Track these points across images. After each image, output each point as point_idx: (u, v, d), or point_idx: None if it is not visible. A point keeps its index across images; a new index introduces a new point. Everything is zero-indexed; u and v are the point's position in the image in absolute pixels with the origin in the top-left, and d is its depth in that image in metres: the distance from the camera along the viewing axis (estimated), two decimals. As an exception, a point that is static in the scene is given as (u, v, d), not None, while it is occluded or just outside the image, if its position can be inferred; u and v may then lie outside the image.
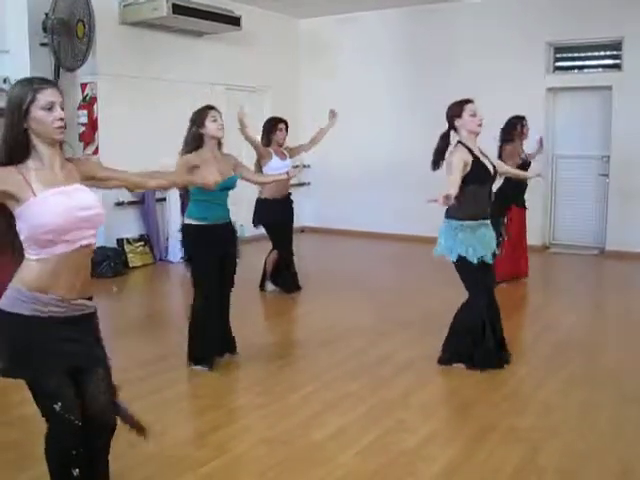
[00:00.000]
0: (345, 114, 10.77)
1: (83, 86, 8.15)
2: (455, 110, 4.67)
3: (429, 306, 6.56)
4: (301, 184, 11.03)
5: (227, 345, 5.04)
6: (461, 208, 4.53)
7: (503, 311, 4.92)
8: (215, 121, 4.72)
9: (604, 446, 3.65)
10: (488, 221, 4.76)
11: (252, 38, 10.10)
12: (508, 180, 6.73)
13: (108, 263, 7.92)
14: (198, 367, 4.79)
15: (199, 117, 4.74)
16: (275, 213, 6.89)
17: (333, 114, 7.18)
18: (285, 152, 6.97)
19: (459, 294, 4.79)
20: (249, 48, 10.17)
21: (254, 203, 7.01)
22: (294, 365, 5.06)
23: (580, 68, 9.62)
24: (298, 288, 7.23)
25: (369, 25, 10.75)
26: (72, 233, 2.50)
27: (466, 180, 4.50)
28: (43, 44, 7.56)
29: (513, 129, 7.14)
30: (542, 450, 3.58)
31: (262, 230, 7.09)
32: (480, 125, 4.65)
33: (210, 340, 4.84)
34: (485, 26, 9.73)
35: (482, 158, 4.68)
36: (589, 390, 4.47)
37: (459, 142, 4.66)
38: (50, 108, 2.50)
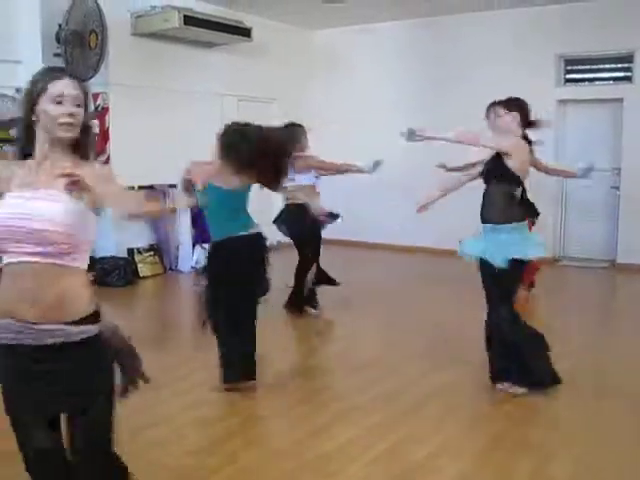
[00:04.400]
0: (356, 124, 10.88)
1: (95, 96, 8.18)
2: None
3: (439, 317, 6.55)
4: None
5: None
6: (512, 210, 4.44)
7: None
8: None
9: (616, 459, 3.62)
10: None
11: (264, 49, 10.14)
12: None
13: (119, 273, 7.94)
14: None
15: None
16: (302, 221, 6.51)
17: (376, 165, 6.77)
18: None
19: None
20: (261, 59, 10.22)
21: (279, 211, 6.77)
22: (305, 376, 5.05)
23: (591, 80, 9.61)
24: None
25: (382, 36, 10.77)
26: (10, 244, 2.16)
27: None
28: (56, 54, 7.61)
29: None
30: (553, 462, 3.56)
31: (278, 239, 6.93)
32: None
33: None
34: (496, 38, 9.75)
35: None
36: (600, 402, 4.44)
37: None
38: (60, 102, 2.19)
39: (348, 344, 5.77)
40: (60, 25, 7.56)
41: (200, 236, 9.04)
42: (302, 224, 6.54)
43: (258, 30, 9.43)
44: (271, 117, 10.64)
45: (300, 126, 6.72)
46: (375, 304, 7.25)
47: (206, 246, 9.05)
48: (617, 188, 9.34)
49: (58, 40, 7.56)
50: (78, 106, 2.24)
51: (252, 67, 10.11)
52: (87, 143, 2.32)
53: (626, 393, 4.59)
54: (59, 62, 7.58)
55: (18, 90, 7.38)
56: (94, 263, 7.41)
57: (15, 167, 2.26)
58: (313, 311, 6.78)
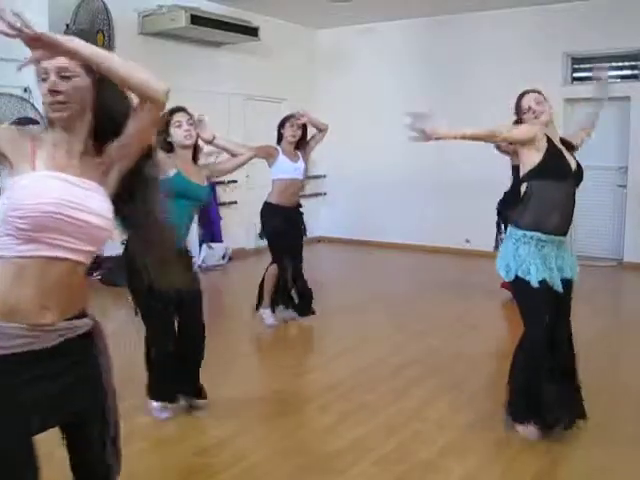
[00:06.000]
0: (362, 124, 10.88)
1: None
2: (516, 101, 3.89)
3: (444, 319, 6.55)
4: (317, 194, 11.04)
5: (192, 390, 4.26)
6: (526, 212, 3.64)
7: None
8: (180, 126, 4.10)
9: (624, 458, 3.62)
10: (564, 238, 3.68)
11: (270, 49, 10.16)
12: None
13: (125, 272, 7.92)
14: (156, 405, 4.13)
15: (163, 123, 4.07)
16: (277, 221, 5.97)
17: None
18: (299, 154, 6.12)
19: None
20: (267, 59, 10.23)
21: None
22: (310, 375, 5.06)
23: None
24: (311, 312, 6.36)
25: (386, 36, 10.77)
26: (53, 235, 1.81)
27: (534, 173, 3.59)
28: (63, 54, 7.63)
29: None
30: (561, 462, 3.56)
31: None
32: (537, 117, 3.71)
33: (169, 377, 4.11)
34: (502, 37, 9.73)
35: (561, 148, 3.71)
36: (608, 403, 4.43)
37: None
38: (44, 79, 1.94)
39: (353, 344, 5.76)
40: (67, 25, 7.57)
41: (207, 235, 9.07)
42: (273, 222, 6.04)
43: (265, 29, 9.45)
44: (279, 116, 10.67)
45: (287, 116, 6.28)
46: (382, 304, 7.25)
47: (213, 245, 9.14)
48: (624, 186, 9.32)
49: (65, 40, 7.58)
50: (64, 78, 1.93)
51: (260, 66, 10.12)
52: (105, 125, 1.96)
53: (634, 393, 4.58)
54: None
55: (26, 89, 7.41)
56: (100, 262, 7.41)
57: (23, 137, 1.91)
58: (270, 320, 6.21)
